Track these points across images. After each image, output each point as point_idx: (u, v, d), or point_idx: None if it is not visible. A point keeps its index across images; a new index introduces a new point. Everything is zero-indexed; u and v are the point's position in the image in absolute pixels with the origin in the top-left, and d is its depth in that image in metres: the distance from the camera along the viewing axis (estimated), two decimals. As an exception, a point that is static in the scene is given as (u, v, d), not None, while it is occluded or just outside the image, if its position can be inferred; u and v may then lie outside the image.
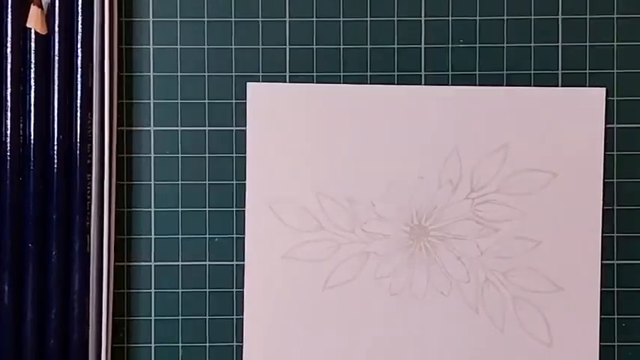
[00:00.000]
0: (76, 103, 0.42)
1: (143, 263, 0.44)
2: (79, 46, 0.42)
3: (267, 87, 0.44)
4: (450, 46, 0.44)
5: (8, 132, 0.42)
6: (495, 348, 0.43)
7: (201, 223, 0.44)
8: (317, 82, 0.43)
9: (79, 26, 0.42)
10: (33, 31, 0.42)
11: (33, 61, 0.42)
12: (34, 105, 0.42)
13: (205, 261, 0.44)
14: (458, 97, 0.44)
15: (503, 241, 0.44)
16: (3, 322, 0.41)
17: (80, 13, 0.42)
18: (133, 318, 0.44)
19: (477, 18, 0.44)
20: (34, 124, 0.42)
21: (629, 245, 0.43)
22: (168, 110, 0.44)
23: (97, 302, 0.42)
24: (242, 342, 0.43)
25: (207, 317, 0.44)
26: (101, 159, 0.42)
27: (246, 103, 0.44)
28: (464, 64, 0.44)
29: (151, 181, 0.44)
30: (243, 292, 0.44)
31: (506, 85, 0.44)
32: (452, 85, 0.44)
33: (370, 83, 0.44)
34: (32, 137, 0.42)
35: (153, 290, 0.44)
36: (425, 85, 0.44)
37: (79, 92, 0.42)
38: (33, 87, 0.42)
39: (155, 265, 0.44)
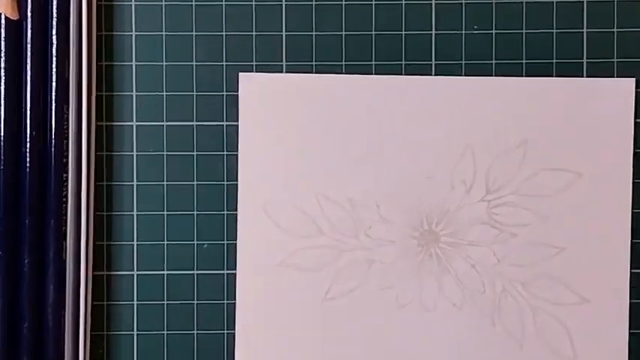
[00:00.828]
0: (51, 95, 0.41)
1: (125, 272, 0.43)
2: (53, 32, 0.41)
3: (262, 78, 0.42)
4: (463, 32, 0.42)
5: (-25, 128, 0.40)
6: (513, 365, 0.41)
7: (188, 227, 0.43)
8: (316, 73, 0.42)
9: (54, 10, 0.41)
10: (3, 16, 0.40)
11: (3, 49, 0.41)
12: (4, 98, 0.41)
13: (193, 270, 0.43)
14: (472, 88, 0.42)
15: (522, 247, 0.42)
16: (-30, 337, 0.40)
17: (55, -4, 0.40)
18: (113, 333, 0.42)
19: (493, 1, 0.42)
20: (5, 119, 0.41)
21: (660, 252, 0.41)
22: (153, 103, 0.43)
23: (73, 315, 0.41)
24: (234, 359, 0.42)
25: (196, 332, 0.43)
26: (78, 157, 0.41)
27: (238, 95, 0.42)
28: (478, 53, 0.42)
29: (133, 181, 0.43)
30: (235, 304, 0.42)
31: (526, 76, 0.42)
32: (465, 75, 0.42)
33: (375, 73, 0.42)
34: (2, 133, 0.41)
35: (135, 302, 0.43)
36: (435, 75, 0.42)
37: (53, 83, 0.41)
38: (3, 78, 0.41)
39: (138, 275, 0.43)
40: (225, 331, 0.43)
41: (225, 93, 0.42)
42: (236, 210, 0.42)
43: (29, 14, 0.41)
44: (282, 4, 0.42)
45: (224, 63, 0.42)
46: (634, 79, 0.42)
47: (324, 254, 0.42)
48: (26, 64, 0.41)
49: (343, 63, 0.42)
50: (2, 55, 0.41)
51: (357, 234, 0.42)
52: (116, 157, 0.43)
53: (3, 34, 0.41)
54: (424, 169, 0.42)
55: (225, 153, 0.43)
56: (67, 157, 0.41)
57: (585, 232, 0.42)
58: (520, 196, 0.42)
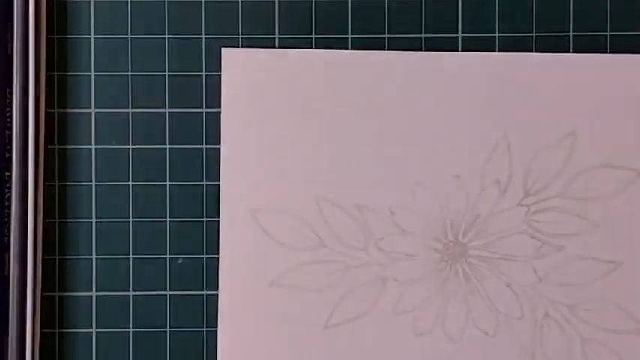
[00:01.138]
0: (-9, 76, 0.41)
1: (81, 293, 0.42)
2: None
3: (249, 54, 0.42)
4: (496, -2, 0.42)
5: None
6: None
7: (159, 238, 0.42)
8: (316, 48, 0.42)
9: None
10: None
11: None
12: None
13: (165, 290, 0.42)
14: (508, 67, 0.42)
15: (569, 262, 0.42)
16: None
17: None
18: (68, 366, 0.43)
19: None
20: None
21: None
22: (116, 86, 0.42)
23: (18, 344, 0.41)
24: (216, 399, 0.42)
25: (169, 366, 0.43)
26: (24, 152, 0.41)
27: (220, 76, 0.42)
28: (514, 24, 0.42)
29: (92, 181, 0.42)
30: (216, 332, 0.42)
31: (573, 52, 0.42)
32: (499, 51, 0.42)
33: (388, 49, 0.42)
34: None
35: (94, 330, 0.42)
36: (462, 51, 0.42)
37: (-6, 62, 0.41)
38: None
39: (97, 296, 0.42)
40: (206, 366, 0.43)
41: (204, 73, 0.42)
42: (218, 217, 0.42)
43: (-38, -22, 0.41)
44: (274, -37, 0.43)
45: (203, 36, 0.42)
46: None
47: (326, 271, 0.42)
48: (-43, 36, 0.41)
49: (350, 36, 0.42)
50: None
51: (367, 246, 0.42)
52: (71, 152, 0.42)
53: None
54: (448, 166, 0.42)
55: (204, 146, 0.42)
56: (10, 151, 0.41)
57: (646, 243, 0.42)
58: (566, 199, 0.42)
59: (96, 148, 0.42)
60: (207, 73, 0.42)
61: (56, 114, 0.42)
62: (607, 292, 0.41)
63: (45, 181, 0.42)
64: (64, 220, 0.42)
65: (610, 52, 0.42)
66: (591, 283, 0.42)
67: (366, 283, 0.42)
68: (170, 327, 0.42)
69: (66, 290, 0.42)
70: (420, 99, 0.42)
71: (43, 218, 0.42)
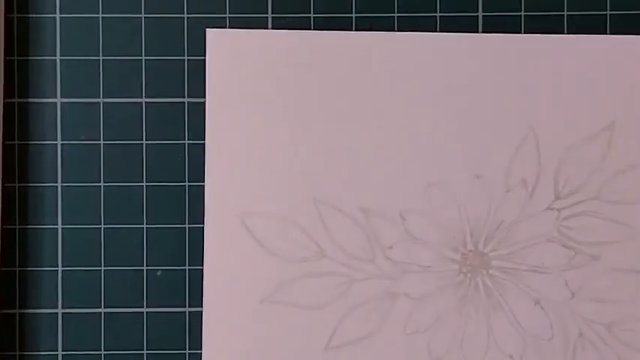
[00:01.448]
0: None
1: (45, 311, 0.41)
2: None
3: (238, 36, 0.40)
4: (523, -28, 0.42)
5: None
6: None
7: (135, 247, 0.41)
8: (315, 29, 0.40)
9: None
10: None
11: None
12: None
13: (142, 307, 0.41)
14: (535, 49, 0.40)
15: (606, 275, 0.40)
16: None
17: None
18: (28, 395, 0.42)
19: None
20: None
21: None
22: (85, 72, 0.41)
23: None
24: None
25: (146, 395, 0.42)
26: None
27: (204, 60, 0.40)
28: (542, 1, 0.40)
29: (57, 182, 0.41)
30: (200, 354, 0.41)
31: (610, 33, 0.40)
32: (525, 32, 0.40)
33: (398, 30, 0.40)
34: None
35: (60, 353, 0.41)
36: (483, 32, 0.41)
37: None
38: None
39: (64, 314, 0.41)
40: (188, 395, 0.43)
41: (186, 57, 0.41)
42: (202, 223, 0.41)
43: None
44: None
45: (185, 15, 0.41)
46: None
47: (326, 286, 0.41)
48: None
49: (354, 15, 0.41)
50: None
51: (374, 257, 0.41)
52: (33, 148, 0.41)
53: None
54: (467, 164, 0.40)
55: (186, 142, 0.41)
56: (-39, 147, 0.41)
57: (696, 253, 0.42)
58: (603, 202, 0.41)
59: (62, 144, 0.41)
60: (189, 58, 0.41)
61: (16, 104, 0.41)
62: (649, 309, 0.40)
63: (3, 181, 0.40)
64: (25, 227, 0.41)
65: (652, 33, 0.41)
66: (632, 298, 0.40)
67: (373, 300, 0.41)
68: (147, 349, 0.41)
69: (27, 307, 0.41)
70: (433, 86, 0.40)
71: (1, 224, 0.40)
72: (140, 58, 0.41)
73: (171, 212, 0.41)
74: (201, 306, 0.40)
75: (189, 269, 0.41)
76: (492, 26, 0.41)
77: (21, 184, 0.41)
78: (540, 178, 0.40)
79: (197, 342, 0.40)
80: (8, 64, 0.40)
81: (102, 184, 0.41)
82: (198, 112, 0.41)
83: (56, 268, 0.41)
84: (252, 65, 0.40)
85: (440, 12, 0.41)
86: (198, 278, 0.41)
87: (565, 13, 0.41)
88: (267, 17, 0.40)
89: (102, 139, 0.41)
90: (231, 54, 0.40)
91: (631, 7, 0.41)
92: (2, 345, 0.40)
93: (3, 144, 0.40)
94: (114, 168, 0.41)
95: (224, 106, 0.40)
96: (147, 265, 0.41)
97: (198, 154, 0.41)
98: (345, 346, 0.40)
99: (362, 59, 0.40)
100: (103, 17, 0.41)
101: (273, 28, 0.40)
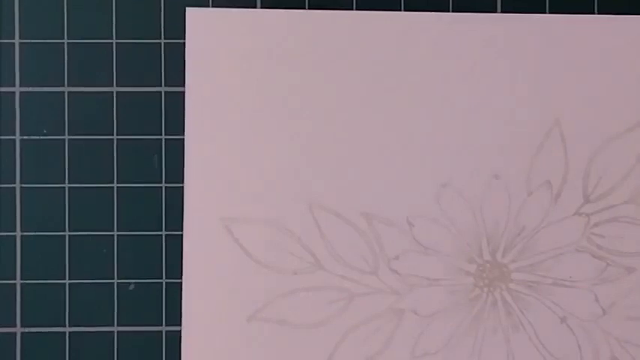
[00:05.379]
0: None
1: (2, 330, 0.39)
2: None
3: (221, 16, 0.38)
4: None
5: None
6: None
7: (104, 257, 0.39)
8: (310, 8, 0.39)
9: None
10: None
11: None
12: None
13: (112, 325, 0.39)
14: (562, 33, 0.38)
15: None
16: None
17: None
18: (-17, 423, 0.40)
19: None
20: None
21: None
22: (47, 57, 0.39)
23: None
24: None
25: (117, 423, 0.41)
26: None
27: (184, 44, 0.38)
28: None
29: (15, 183, 0.39)
30: None
31: None
32: (550, 12, 0.39)
33: (405, 9, 0.39)
34: None
35: None
36: (502, 12, 0.39)
37: None
38: None
39: (23, 333, 0.39)
40: (165, 423, 0.42)
41: (162, 40, 0.39)
42: (181, 230, 0.38)
43: None
44: None
45: None
46: None
47: (323, 301, 0.38)
48: None
49: None
50: None
51: (377, 268, 0.38)
52: None
53: None
54: (484, 162, 0.38)
55: (163, 137, 0.39)
56: None
57: None
58: (638, 206, 0.39)
59: (21, 139, 0.39)
60: (166, 41, 0.39)
61: (-31, 95, 0.37)
62: (692, 329, 0.37)
63: (-45, 182, 0.37)
64: (-21, 235, 0.37)
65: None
66: (672, 317, 0.37)
67: (377, 317, 0.38)
68: (119, 374, 0.37)
69: (-17, 326, 0.38)
70: (444, 74, 0.38)
71: (-48, 232, 0.36)
72: (110, 41, 0.39)
73: (146, 217, 0.39)
74: (180, 324, 0.38)
75: (166, 282, 0.39)
76: (513, 4, 0.39)
77: (-25, 186, 0.36)
78: (567, 180, 0.38)
79: (176, 365, 0.37)
80: (-40, 49, 0.37)
81: (66, 185, 0.39)
82: (177, 103, 0.38)
83: (14, 281, 0.39)
84: (238, 50, 0.38)
85: (453, -12, 0.38)
86: (176, 293, 0.38)
87: (595, -10, 0.38)
88: (255, -6, 0.37)
89: (67, 133, 0.39)
90: (214, 36, 0.38)
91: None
92: (-46, 368, 0.37)
93: (-45, 140, 0.36)
94: (80, 167, 0.39)
95: (206, 96, 0.38)
96: (118, 278, 0.39)
97: (176, 151, 0.38)
98: (346, 369, 0.37)
99: (364, 43, 0.38)
100: (67, -5, 0.36)
101: (262, 7, 0.38)
